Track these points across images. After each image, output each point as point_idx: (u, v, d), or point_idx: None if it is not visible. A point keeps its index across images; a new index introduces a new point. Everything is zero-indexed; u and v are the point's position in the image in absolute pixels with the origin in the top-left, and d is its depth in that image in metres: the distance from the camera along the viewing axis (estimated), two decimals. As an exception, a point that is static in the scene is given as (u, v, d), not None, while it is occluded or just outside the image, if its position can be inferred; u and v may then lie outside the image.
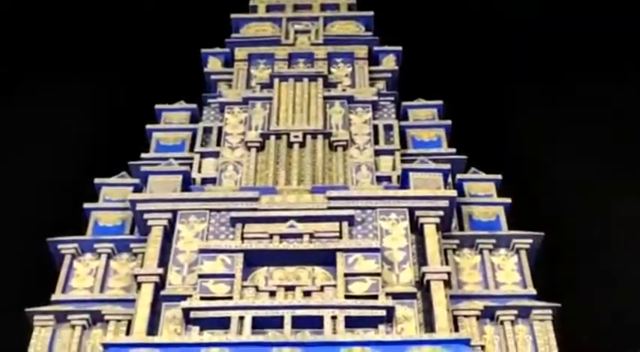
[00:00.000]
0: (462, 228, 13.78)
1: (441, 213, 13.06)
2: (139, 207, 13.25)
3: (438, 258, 12.51)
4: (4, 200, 20.16)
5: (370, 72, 16.41)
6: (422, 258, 12.65)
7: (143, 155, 14.91)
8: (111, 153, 17.79)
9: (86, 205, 14.16)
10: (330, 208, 13.14)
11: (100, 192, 14.41)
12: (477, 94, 22.54)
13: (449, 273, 12.36)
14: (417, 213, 13.08)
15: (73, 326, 12.33)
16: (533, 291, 12.68)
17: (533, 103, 23.68)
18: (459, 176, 14.47)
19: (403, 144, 15.02)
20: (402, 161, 14.36)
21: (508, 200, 14.13)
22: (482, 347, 11.29)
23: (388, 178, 14.22)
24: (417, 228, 13.04)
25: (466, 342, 10.96)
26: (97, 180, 14.52)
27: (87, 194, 14.49)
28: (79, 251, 13.36)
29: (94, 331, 12.33)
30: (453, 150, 14.91)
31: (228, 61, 16.80)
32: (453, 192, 13.45)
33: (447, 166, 14.02)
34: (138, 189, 14.14)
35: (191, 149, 14.99)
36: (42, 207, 20.59)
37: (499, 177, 14.52)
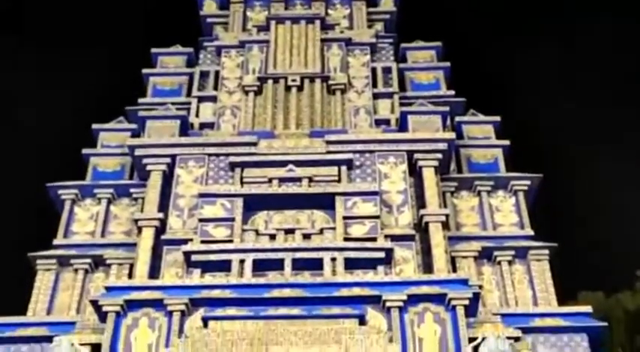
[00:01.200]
0: (460, 171, 13.81)
1: (440, 155, 13.08)
2: (138, 152, 13.24)
3: (436, 200, 12.58)
4: (5, 148, 20.23)
5: (368, 13, 16.18)
6: (420, 201, 12.73)
7: (140, 100, 14.82)
8: (108, 100, 17.74)
9: (85, 151, 14.15)
10: (328, 152, 13.14)
11: (98, 138, 14.38)
12: (475, 36, 22.35)
13: (447, 215, 12.46)
14: (416, 156, 13.09)
15: (76, 270, 12.49)
16: (530, 232, 12.80)
17: (532, 44, 23.49)
18: (457, 118, 14.42)
19: (402, 86, 14.91)
20: (401, 104, 14.28)
21: (507, 142, 14.12)
22: (480, 286, 11.42)
23: (387, 121, 14.18)
24: (415, 171, 13.07)
25: (464, 282, 11.12)
26: (94, 126, 14.46)
27: (86, 140, 14.53)
28: (79, 196, 13.41)
29: (96, 274, 12.50)
30: (452, 92, 14.81)
31: (224, 4, 16.56)
32: (452, 135, 13.43)
33: (446, 109, 13.96)
34: (136, 134, 14.09)
35: (188, 93, 14.90)
36: (42, 155, 20.68)
37: (498, 119, 14.47)
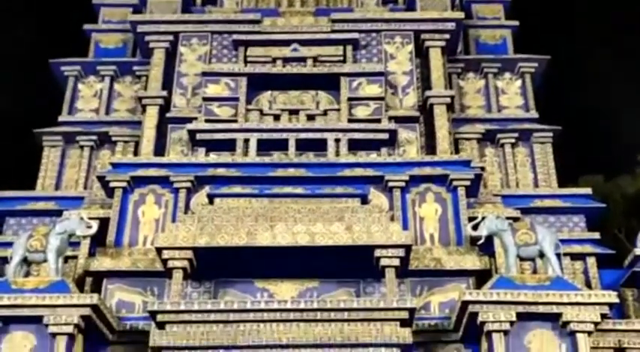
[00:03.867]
0: (467, 52, 13.59)
1: (447, 36, 12.83)
2: (140, 28, 12.99)
3: (442, 81, 12.47)
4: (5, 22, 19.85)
5: None
6: (426, 82, 12.62)
7: (141, -25, 14.39)
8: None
9: (86, 26, 13.91)
10: (333, 31, 12.87)
11: (100, 13, 14.09)
12: None
13: (452, 97, 12.38)
14: (423, 36, 12.84)
15: (82, 147, 12.60)
16: (535, 115, 12.78)
17: None
18: (466, -3, 14.06)
19: (410, -38, 14.41)
20: (409, -18, 13.86)
21: (515, 23, 13.82)
22: (482, 168, 11.52)
23: (394, 0, 13.83)
24: (422, 52, 12.87)
25: (466, 164, 11.21)
26: (95, 0, 14.15)
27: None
28: (82, 73, 13.30)
29: (102, 152, 12.63)
30: (462, -30, 14.33)
31: None
32: (460, 14, 13.11)
33: (455, -13, 13.59)
34: (137, 10, 13.78)
35: (190, -32, 14.42)
36: (43, 30, 20.31)
37: (508, -2, 14.10)
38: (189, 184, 11.03)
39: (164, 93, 12.40)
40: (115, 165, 11.29)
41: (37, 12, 21.05)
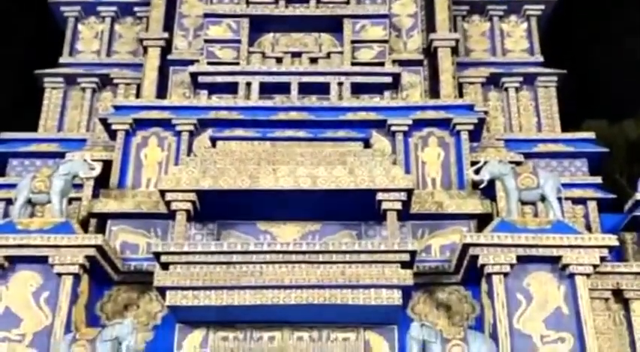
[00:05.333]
0: (472, -6, 13.40)
1: (453, -24, 12.64)
2: (140, -33, 12.82)
3: (446, 24, 12.29)
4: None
5: None
6: (430, 25, 12.44)
7: None
8: None
9: (84, -36, 13.69)
10: (337, -28, 12.67)
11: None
12: None
13: (457, 40, 12.24)
14: (428, -24, 12.66)
15: (83, 89, 12.55)
16: (540, 58, 12.65)
17: None
18: (472, -64, 13.73)
19: None
20: None
21: (522, -39, 13.58)
22: (486, 112, 11.47)
23: (398, -59, 13.56)
24: (426, -6, 12.70)
25: (469, 108, 11.15)
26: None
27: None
28: (82, 14, 13.14)
29: (103, 94, 12.58)
30: None
31: None
32: (465, -44, 12.89)
33: None
34: (135, -53, 13.53)
35: None
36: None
37: None
38: (191, 127, 11.02)
39: (165, 35, 12.27)
40: (117, 108, 11.25)
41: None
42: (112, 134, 11.08)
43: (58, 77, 12.53)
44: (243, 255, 9.17)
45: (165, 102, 11.34)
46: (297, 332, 9.56)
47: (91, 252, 9.25)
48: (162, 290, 9.16)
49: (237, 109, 11.19)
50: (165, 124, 11.07)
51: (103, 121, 11.16)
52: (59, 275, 9.21)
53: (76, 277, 9.27)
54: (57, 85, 12.49)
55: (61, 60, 12.76)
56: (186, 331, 9.58)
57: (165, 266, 9.23)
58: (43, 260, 9.22)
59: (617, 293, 10.03)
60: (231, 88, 11.57)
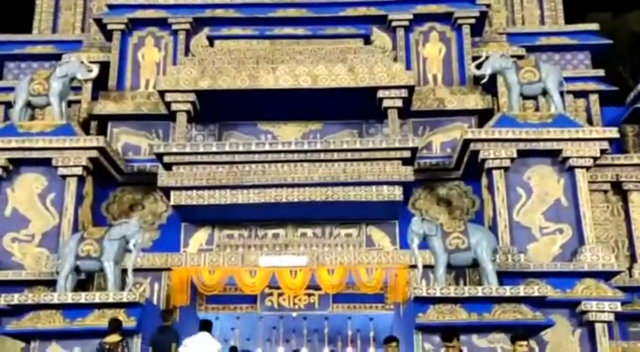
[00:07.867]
0: None
1: None
2: None
3: None
4: None
5: None
6: None
7: None
8: None
9: None
10: None
11: None
12: None
13: None
14: None
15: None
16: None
17: None
18: None
19: None
20: None
21: None
22: (488, 5, 11.03)
23: None
24: None
25: (471, 1, 10.84)
26: None
27: None
28: None
29: (97, -7, 12.26)
30: None
31: None
32: None
33: None
34: None
35: None
36: None
37: None
38: (188, 26, 10.81)
39: None
40: (111, 7, 11.00)
41: None
42: (108, 35, 10.88)
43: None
44: (245, 154, 9.22)
45: (160, 1, 11.05)
46: (301, 228, 9.76)
47: (94, 153, 9.31)
48: (166, 191, 9.28)
49: (234, 6, 10.95)
50: (162, 24, 10.87)
51: (98, 21, 10.94)
52: (63, 177, 9.31)
53: (80, 179, 9.37)
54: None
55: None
56: (191, 230, 9.78)
57: (168, 166, 9.31)
58: (46, 162, 9.29)
59: (617, 185, 10.16)
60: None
